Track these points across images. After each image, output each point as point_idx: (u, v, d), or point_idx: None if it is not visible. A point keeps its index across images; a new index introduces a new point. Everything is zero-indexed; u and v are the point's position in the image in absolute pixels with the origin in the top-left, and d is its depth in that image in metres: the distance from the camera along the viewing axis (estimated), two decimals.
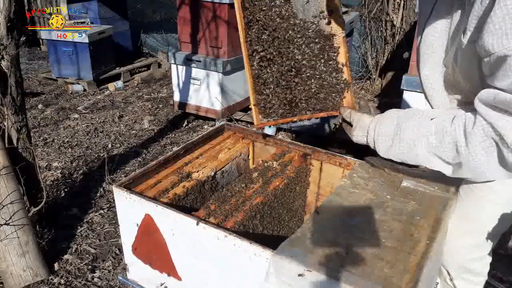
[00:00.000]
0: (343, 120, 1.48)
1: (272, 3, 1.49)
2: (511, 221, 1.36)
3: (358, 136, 1.40)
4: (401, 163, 1.34)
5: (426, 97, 1.44)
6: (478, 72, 1.14)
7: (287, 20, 1.49)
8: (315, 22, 1.54)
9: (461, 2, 1.15)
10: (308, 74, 1.52)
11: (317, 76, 1.52)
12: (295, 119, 1.57)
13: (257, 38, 1.48)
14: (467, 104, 1.26)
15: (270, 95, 1.51)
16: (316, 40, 1.53)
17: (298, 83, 1.52)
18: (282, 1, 1.51)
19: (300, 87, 1.52)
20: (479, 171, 1.12)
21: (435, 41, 1.29)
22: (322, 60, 1.54)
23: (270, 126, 1.64)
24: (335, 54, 1.56)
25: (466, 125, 1.10)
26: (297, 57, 1.50)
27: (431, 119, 1.21)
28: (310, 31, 1.53)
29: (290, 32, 1.50)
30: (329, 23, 1.54)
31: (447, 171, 1.21)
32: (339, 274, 1.04)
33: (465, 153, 1.11)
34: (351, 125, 1.44)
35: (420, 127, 1.22)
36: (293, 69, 1.50)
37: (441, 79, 1.32)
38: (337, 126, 3.96)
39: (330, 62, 1.56)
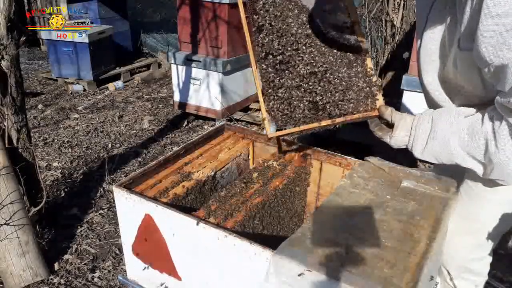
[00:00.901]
0: (381, 118, 1.39)
1: (290, 13, 1.40)
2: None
3: (399, 136, 1.31)
4: (400, 165, 1.33)
5: (427, 102, 1.43)
6: (479, 76, 1.14)
7: (306, 29, 1.40)
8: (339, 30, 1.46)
9: (452, 10, 1.16)
10: (337, 75, 1.40)
11: (346, 79, 1.41)
12: (324, 124, 1.40)
13: (270, 41, 1.39)
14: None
15: (290, 98, 1.39)
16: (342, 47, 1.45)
17: (324, 86, 1.40)
18: (303, 9, 1.42)
19: (327, 90, 1.40)
20: (509, 171, 1.10)
21: (433, 48, 1.29)
22: (353, 64, 1.44)
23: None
24: (364, 58, 1.47)
25: (494, 123, 1.09)
26: (322, 60, 1.40)
27: (465, 117, 1.19)
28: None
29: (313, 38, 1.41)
30: (352, 32, 1.49)
31: (479, 170, 1.19)
32: (339, 274, 1.04)
33: (494, 151, 1.10)
34: (389, 126, 1.37)
35: (453, 124, 1.20)
36: (318, 73, 1.40)
37: (443, 86, 1.32)
38: (338, 126, 3.96)
39: (359, 68, 1.46)
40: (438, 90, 1.34)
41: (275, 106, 1.41)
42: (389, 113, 1.36)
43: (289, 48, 1.39)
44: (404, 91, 3.33)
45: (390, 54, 5.18)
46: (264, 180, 1.63)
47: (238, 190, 1.55)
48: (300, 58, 1.40)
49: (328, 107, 1.40)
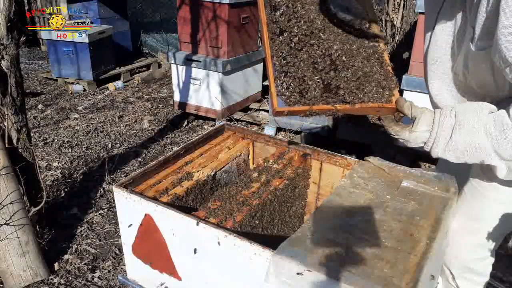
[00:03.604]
0: (399, 110, 1.29)
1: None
2: None
3: (420, 131, 1.21)
4: (400, 165, 1.32)
5: (433, 107, 1.41)
6: (492, 76, 1.13)
7: (324, 17, 1.38)
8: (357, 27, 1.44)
9: (462, 9, 1.15)
10: (354, 63, 1.34)
11: (363, 68, 1.35)
12: (339, 108, 1.30)
13: (286, 20, 1.34)
14: None
15: (303, 76, 1.31)
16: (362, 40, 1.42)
17: (340, 71, 1.33)
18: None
19: (343, 76, 1.34)
20: None
21: (442, 50, 1.27)
22: (371, 58, 1.39)
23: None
24: (382, 54, 1.42)
25: None
26: (339, 46, 1.35)
27: (489, 112, 1.13)
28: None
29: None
30: (369, 29, 1.46)
31: (502, 170, 1.15)
32: (339, 274, 1.04)
33: None
34: (398, 122, 1.29)
35: (480, 116, 1.12)
36: (336, 60, 1.33)
37: (451, 89, 1.30)
38: (338, 125, 3.96)
39: (376, 62, 1.40)
40: (444, 98, 1.32)
41: (285, 84, 1.32)
42: (408, 105, 1.26)
43: (306, 32, 1.35)
44: (404, 91, 3.33)
45: (390, 54, 5.18)
46: (264, 180, 1.63)
47: (238, 190, 1.55)
48: (316, 40, 1.35)
49: (341, 92, 1.32)
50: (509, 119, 1.07)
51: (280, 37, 1.34)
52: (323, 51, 1.34)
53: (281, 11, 1.35)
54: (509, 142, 1.07)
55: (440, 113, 1.19)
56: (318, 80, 1.33)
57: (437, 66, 1.32)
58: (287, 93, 1.30)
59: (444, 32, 1.26)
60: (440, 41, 1.28)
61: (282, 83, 1.31)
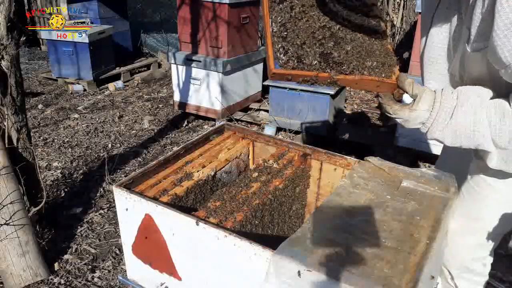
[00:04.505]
0: (400, 87, 1.24)
1: None
2: None
3: (421, 110, 1.17)
4: (400, 165, 1.32)
5: None
6: (489, 76, 1.13)
7: None
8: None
9: (458, 12, 1.15)
10: (354, 37, 1.31)
11: (362, 43, 1.32)
12: (339, 77, 1.27)
13: None
14: None
15: (302, 44, 1.30)
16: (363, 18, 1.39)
17: (339, 43, 1.30)
18: None
19: (343, 48, 1.30)
20: None
21: (438, 51, 1.27)
22: (371, 36, 1.36)
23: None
24: (383, 37, 1.39)
25: None
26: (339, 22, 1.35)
27: (490, 98, 1.12)
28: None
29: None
30: (369, 11, 1.45)
31: (493, 159, 1.14)
32: (339, 274, 1.04)
33: None
34: (398, 101, 1.25)
35: (482, 100, 1.11)
36: (336, 32, 1.32)
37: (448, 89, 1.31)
38: (338, 125, 3.95)
39: (376, 40, 1.37)
40: None
41: (282, 49, 1.30)
42: (410, 82, 1.21)
43: (307, 3, 1.34)
44: None
45: None
46: (264, 180, 1.63)
47: (238, 190, 1.55)
48: (317, 12, 1.34)
49: (338, 61, 1.29)
50: (510, 106, 1.06)
51: (280, 5, 1.34)
52: (324, 24, 1.32)
53: None
54: (507, 130, 1.07)
55: (441, 93, 1.16)
56: (317, 48, 1.30)
57: (433, 67, 1.32)
58: (285, 58, 1.28)
59: (440, 33, 1.26)
60: (436, 42, 1.28)
61: (280, 47, 1.29)
